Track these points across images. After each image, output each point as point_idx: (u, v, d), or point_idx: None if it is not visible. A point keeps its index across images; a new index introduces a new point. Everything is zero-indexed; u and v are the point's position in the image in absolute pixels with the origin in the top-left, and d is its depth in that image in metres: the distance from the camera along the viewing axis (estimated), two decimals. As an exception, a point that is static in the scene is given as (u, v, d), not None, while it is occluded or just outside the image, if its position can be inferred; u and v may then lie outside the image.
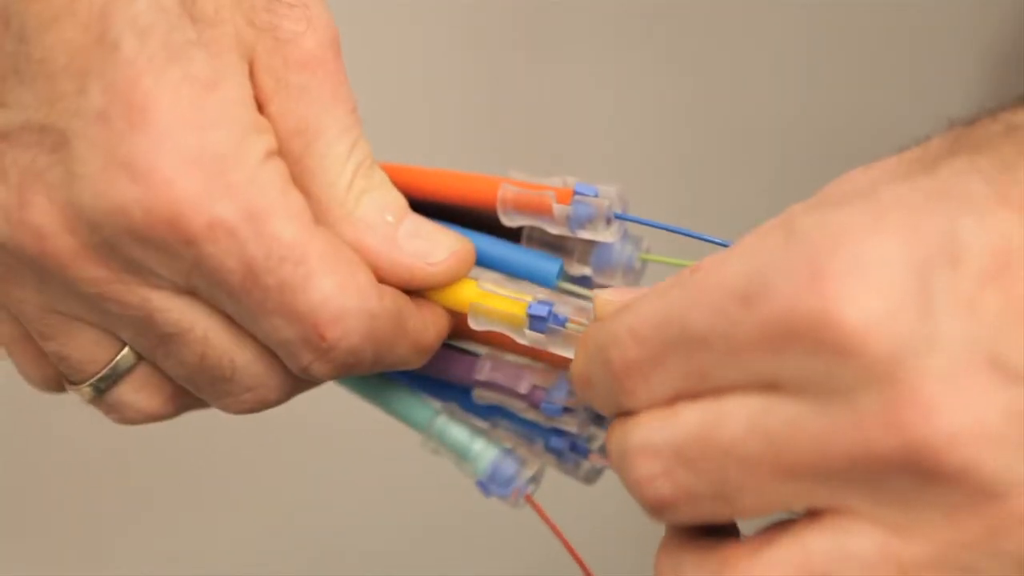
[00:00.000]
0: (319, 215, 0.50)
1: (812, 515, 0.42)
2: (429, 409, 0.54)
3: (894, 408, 0.40)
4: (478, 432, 0.54)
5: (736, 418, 0.42)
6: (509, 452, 0.53)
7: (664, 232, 0.52)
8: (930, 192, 0.42)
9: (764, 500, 0.42)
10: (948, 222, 0.41)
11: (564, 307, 0.50)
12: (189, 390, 0.52)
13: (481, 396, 0.54)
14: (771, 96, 1.18)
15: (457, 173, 0.54)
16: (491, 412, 0.55)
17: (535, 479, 0.53)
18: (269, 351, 0.51)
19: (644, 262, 0.53)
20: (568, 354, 0.50)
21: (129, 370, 0.52)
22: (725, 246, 0.48)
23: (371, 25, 1.11)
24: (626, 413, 0.44)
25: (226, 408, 0.52)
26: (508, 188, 0.52)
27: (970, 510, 0.40)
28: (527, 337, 0.51)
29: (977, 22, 1.17)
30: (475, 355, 0.55)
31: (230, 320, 0.50)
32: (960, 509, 0.40)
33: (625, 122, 1.17)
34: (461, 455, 0.53)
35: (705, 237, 0.50)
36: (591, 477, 0.55)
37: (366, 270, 0.50)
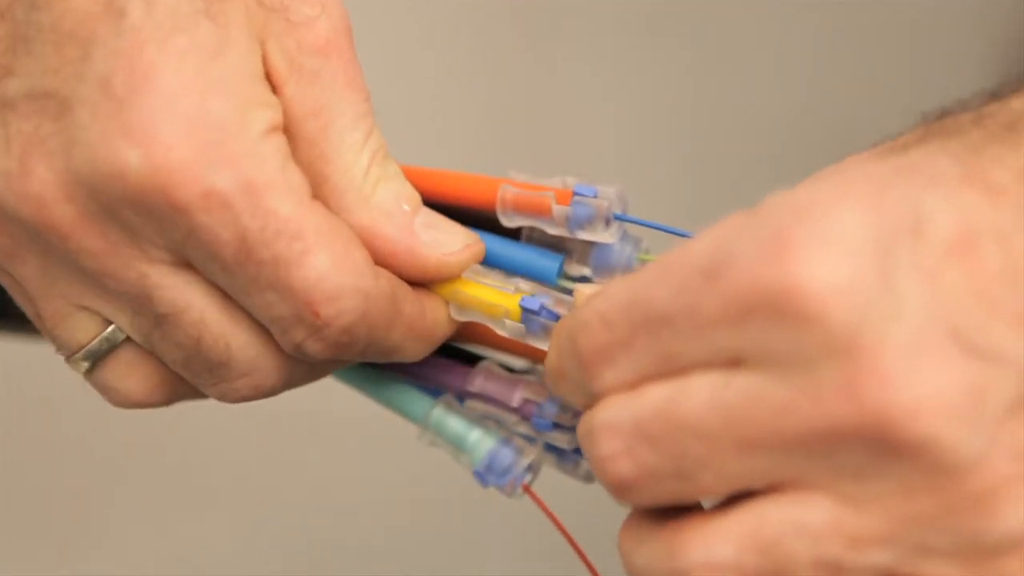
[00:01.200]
0: (335, 200, 0.50)
1: (770, 489, 0.41)
2: (426, 400, 0.54)
3: (853, 378, 0.40)
4: (475, 422, 0.53)
5: (697, 394, 0.42)
6: (506, 441, 0.53)
7: (664, 233, 0.52)
8: (898, 168, 0.42)
9: (725, 477, 0.42)
10: (914, 195, 0.40)
11: (548, 299, 0.50)
12: (185, 377, 0.52)
13: (473, 408, 0.54)
14: (774, 97, 1.18)
15: (457, 173, 0.54)
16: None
17: (532, 468, 0.53)
18: (264, 333, 0.50)
19: (643, 262, 0.53)
20: (546, 347, 0.50)
21: (110, 352, 0.51)
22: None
23: (375, 23, 1.11)
24: (595, 400, 0.44)
25: (222, 396, 0.52)
26: (508, 189, 0.52)
27: (926, 485, 0.40)
28: (507, 328, 0.51)
29: (978, 22, 1.17)
30: (469, 366, 0.54)
31: (226, 300, 0.50)
32: (916, 483, 0.40)
33: (629, 122, 1.17)
34: (458, 446, 0.53)
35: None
36: (590, 477, 0.54)
37: (362, 249, 0.50)
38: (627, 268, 0.52)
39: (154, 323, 0.50)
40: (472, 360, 0.55)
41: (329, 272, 0.49)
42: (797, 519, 0.41)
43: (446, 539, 1.19)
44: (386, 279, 0.50)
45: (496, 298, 0.51)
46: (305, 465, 1.18)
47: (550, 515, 0.52)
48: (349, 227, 0.50)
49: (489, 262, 0.53)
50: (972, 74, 1.17)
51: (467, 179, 0.53)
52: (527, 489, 0.53)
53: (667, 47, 1.16)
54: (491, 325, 0.51)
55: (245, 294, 0.49)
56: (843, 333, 0.40)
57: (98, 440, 1.13)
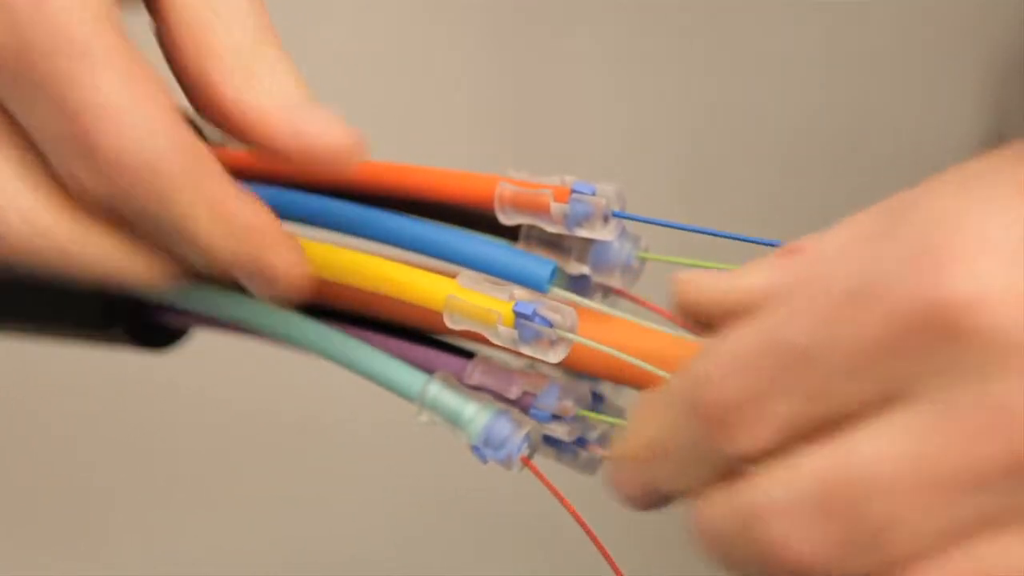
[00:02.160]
0: (221, 75, 0.46)
1: (976, 530, 0.37)
2: (421, 376, 0.53)
3: None
4: (471, 397, 0.52)
5: (868, 447, 0.37)
6: (503, 413, 0.52)
7: (662, 230, 0.52)
8: None
9: (923, 533, 0.37)
10: None
11: (544, 308, 0.50)
12: None
13: None
14: (776, 97, 1.18)
15: (454, 171, 0.54)
16: None
17: (529, 439, 0.52)
18: (20, 173, 0.46)
19: (643, 260, 0.53)
20: (541, 356, 0.50)
21: None
22: (727, 237, 0.48)
23: (374, 17, 1.11)
24: (725, 473, 0.40)
25: None
26: (506, 186, 0.52)
27: None
28: (500, 336, 0.51)
29: (978, 29, 1.17)
30: (465, 359, 0.54)
31: None
32: None
33: (632, 122, 1.17)
34: (454, 422, 0.52)
35: (703, 230, 0.50)
36: (590, 466, 0.54)
37: (168, 94, 0.45)
38: (626, 266, 0.52)
39: None
40: (469, 355, 0.54)
41: (116, 96, 0.44)
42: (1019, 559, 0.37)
43: (446, 542, 1.19)
44: (191, 138, 0.45)
45: (490, 304, 0.51)
46: (306, 468, 1.18)
47: (552, 489, 0.51)
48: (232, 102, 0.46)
49: (480, 268, 0.52)
50: (976, 74, 1.17)
51: (464, 177, 0.53)
52: (527, 462, 0.52)
53: (668, 46, 1.16)
54: (485, 333, 0.51)
55: (22, 105, 0.45)
56: (1020, 344, 0.36)
57: (97, 440, 1.13)
